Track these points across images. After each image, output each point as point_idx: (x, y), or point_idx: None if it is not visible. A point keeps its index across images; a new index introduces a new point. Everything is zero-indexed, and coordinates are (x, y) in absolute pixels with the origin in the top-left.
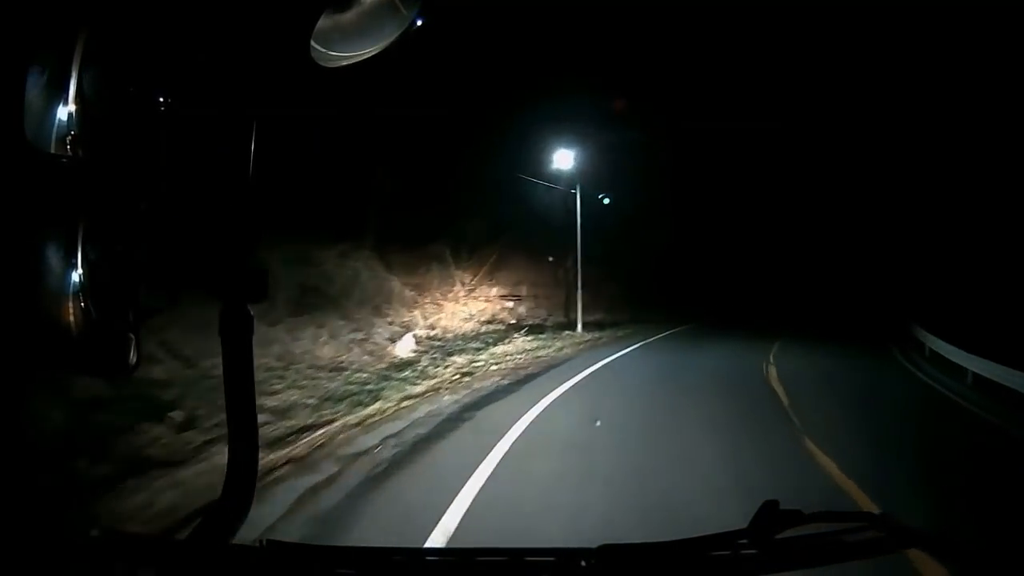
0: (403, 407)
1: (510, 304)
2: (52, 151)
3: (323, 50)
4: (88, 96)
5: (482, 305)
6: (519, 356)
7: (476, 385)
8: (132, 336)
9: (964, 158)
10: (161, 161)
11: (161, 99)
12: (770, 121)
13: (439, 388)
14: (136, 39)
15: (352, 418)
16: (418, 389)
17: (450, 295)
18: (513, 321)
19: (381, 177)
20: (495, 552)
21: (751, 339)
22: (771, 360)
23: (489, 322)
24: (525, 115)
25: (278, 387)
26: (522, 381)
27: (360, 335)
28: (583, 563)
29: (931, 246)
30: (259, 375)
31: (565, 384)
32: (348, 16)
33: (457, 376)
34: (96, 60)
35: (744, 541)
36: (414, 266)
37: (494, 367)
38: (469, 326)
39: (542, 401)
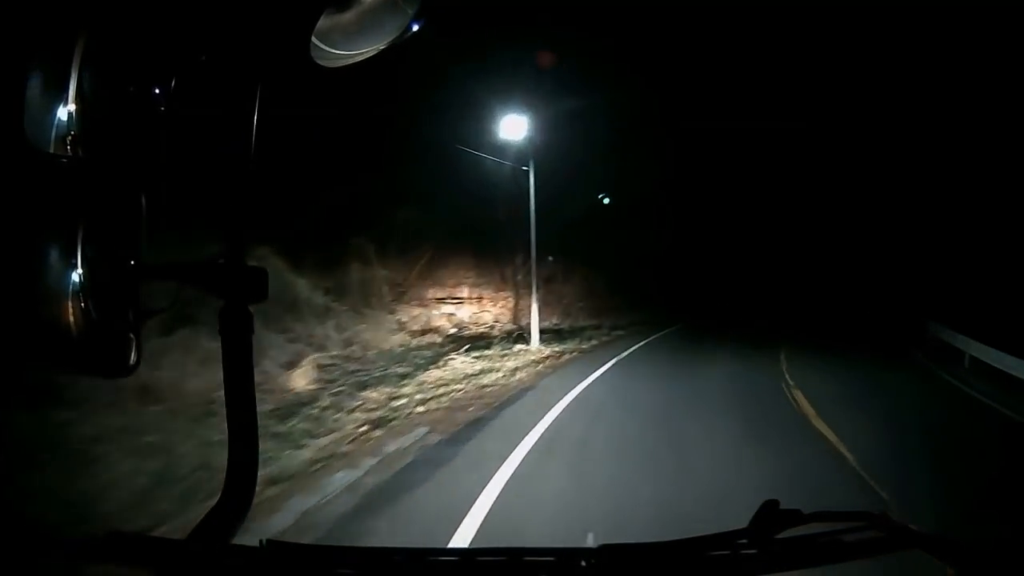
0: (264, 499)
1: (449, 309)
2: (52, 151)
3: (325, 49)
4: (88, 96)
5: (415, 311)
6: (457, 387)
7: (391, 446)
8: (132, 336)
9: (973, 148)
10: (161, 161)
11: (161, 99)
12: (767, 119)
13: (332, 455)
14: (136, 39)
15: (182, 522)
16: (301, 457)
17: (374, 301)
18: (453, 330)
19: (286, 156)
20: (495, 552)
21: (751, 347)
22: (789, 379)
23: (423, 333)
24: (469, 76)
25: (103, 451)
26: (459, 437)
27: None
28: (583, 563)
29: (937, 238)
30: (95, 430)
31: (523, 442)
32: (348, 16)
33: (365, 428)
34: (96, 60)
35: (744, 541)
36: (329, 266)
37: (421, 409)
38: (397, 339)
39: (490, 485)
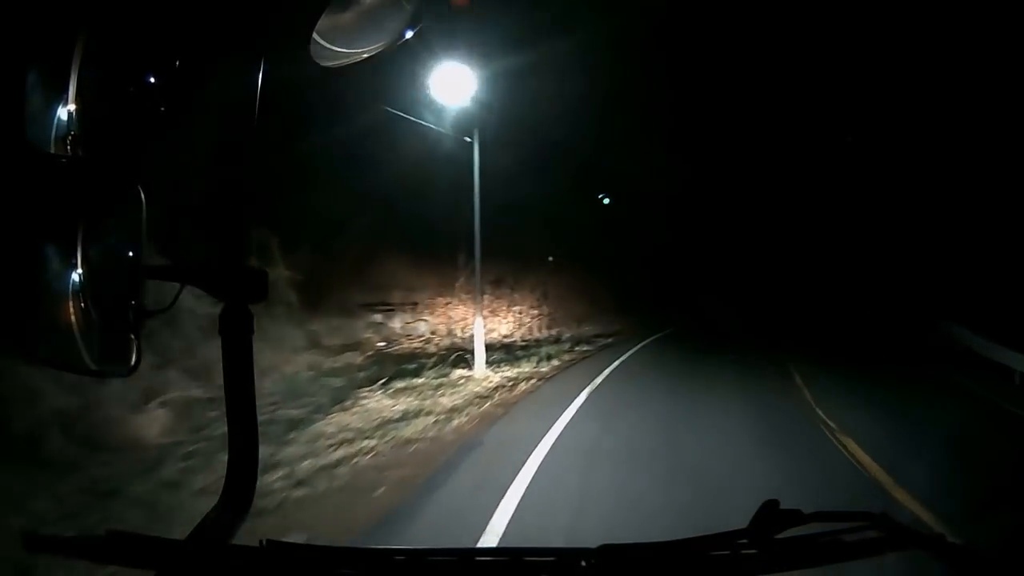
0: None
1: (378, 318)
2: (52, 151)
3: (326, 47)
4: (88, 96)
5: (334, 321)
6: (367, 444)
7: None
8: (132, 336)
9: (975, 145)
10: (161, 161)
11: (161, 100)
12: (766, 113)
13: None
14: (136, 40)
15: None
16: None
17: (280, 310)
18: (380, 344)
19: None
20: (495, 552)
21: (757, 369)
22: (824, 417)
23: (342, 350)
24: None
25: None
26: None
27: (74, 401)
28: (583, 563)
29: (940, 235)
30: None
31: None
32: (349, 15)
33: None
34: (96, 60)
35: (744, 541)
36: None
37: (300, 493)
38: (305, 361)
39: None
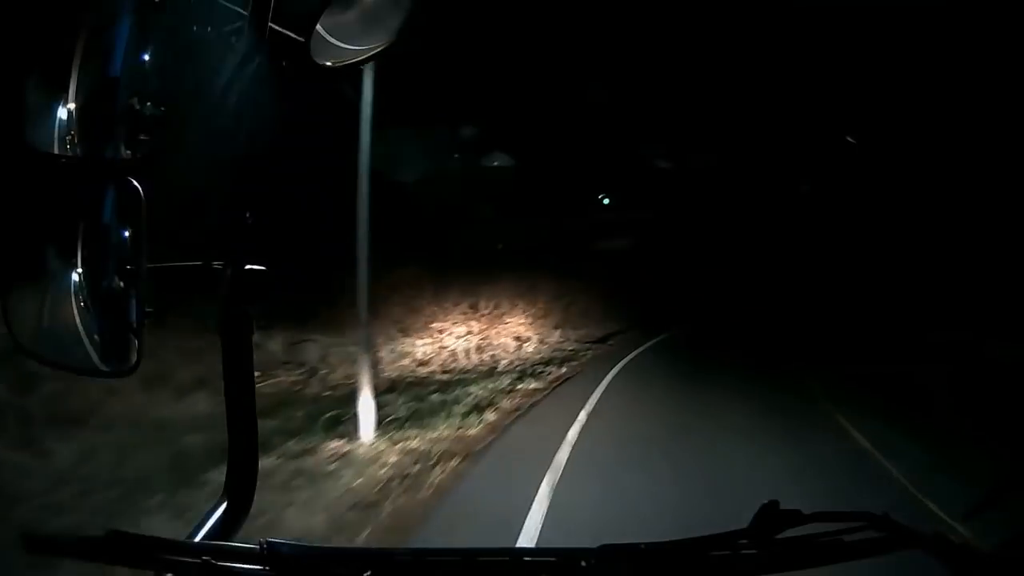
0: None
1: (253, 337)
2: (52, 151)
3: (332, 44)
4: (88, 96)
5: (194, 341)
6: None
7: None
8: (133, 336)
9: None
10: (160, 160)
11: (162, 100)
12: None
13: None
14: (136, 40)
15: None
16: None
17: None
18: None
19: None
20: (496, 552)
21: (794, 422)
22: None
23: (194, 386)
24: None
25: None
26: None
27: None
28: (583, 563)
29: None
30: None
31: None
32: (351, 16)
33: None
34: (96, 60)
35: (744, 541)
36: None
37: None
38: (121, 413)
39: None
